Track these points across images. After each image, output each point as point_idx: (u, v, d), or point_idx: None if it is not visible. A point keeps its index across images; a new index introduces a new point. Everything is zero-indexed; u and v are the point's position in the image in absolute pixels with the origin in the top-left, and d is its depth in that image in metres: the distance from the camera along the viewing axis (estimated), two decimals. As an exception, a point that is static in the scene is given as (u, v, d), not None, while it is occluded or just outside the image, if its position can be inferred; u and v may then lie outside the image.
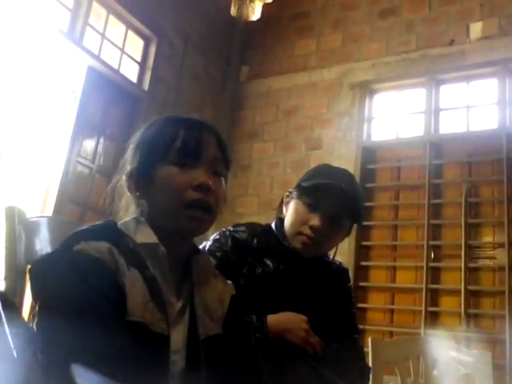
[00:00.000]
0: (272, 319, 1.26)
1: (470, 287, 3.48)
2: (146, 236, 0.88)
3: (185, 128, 0.92)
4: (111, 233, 0.86)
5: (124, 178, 0.94)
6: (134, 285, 0.82)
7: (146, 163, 0.91)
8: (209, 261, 1.04)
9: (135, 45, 4.12)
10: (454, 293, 3.53)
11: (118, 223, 0.91)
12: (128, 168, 0.94)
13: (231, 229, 1.40)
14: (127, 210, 0.95)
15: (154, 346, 0.82)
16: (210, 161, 0.92)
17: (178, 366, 0.86)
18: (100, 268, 0.80)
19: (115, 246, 0.83)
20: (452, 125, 3.96)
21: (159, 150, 0.90)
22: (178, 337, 0.87)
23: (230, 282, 1.03)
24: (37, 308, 0.80)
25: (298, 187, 1.40)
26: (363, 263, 3.88)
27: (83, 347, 0.73)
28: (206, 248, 1.36)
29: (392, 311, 3.78)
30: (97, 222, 0.89)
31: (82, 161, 3.61)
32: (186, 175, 0.89)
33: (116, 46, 3.96)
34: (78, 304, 0.77)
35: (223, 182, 0.95)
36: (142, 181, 0.91)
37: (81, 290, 0.78)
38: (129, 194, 0.94)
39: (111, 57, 3.88)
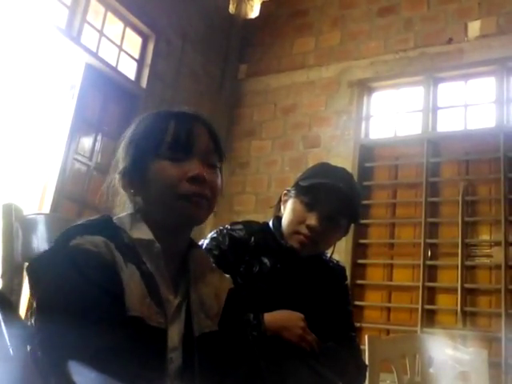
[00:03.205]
0: (269, 317, 1.26)
1: (467, 285, 3.49)
2: (141, 232, 0.87)
3: (174, 121, 0.90)
4: (106, 227, 0.85)
5: (117, 176, 0.93)
6: (131, 280, 0.81)
7: (139, 160, 0.90)
8: (205, 256, 1.02)
9: (133, 42, 4.11)
10: (451, 291, 3.54)
11: (114, 218, 0.89)
12: (120, 166, 0.92)
13: (229, 227, 1.40)
14: (123, 208, 0.94)
15: (151, 341, 0.80)
16: (203, 152, 0.90)
17: (175, 363, 0.85)
18: (98, 262, 0.79)
19: (110, 241, 0.82)
20: (450, 123, 3.96)
21: (150, 146, 0.89)
22: (174, 334, 0.86)
23: (227, 275, 1.02)
24: (35, 305, 0.78)
25: (296, 186, 1.40)
26: (360, 261, 3.89)
27: (82, 344, 0.72)
28: (204, 246, 1.36)
29: (389, 309, 3.79)
30: (92, 217, 0.88)
31: (80, 158, 3.60)
32: (178, 168, 0.87)
33: (114, 43, 3.95)
34: (77, 299, 0.75)
35: (219, 174, 0.92)
36: (135, 178, 0.90)
37: (79, 284, 0.76)
38: (123, 192, 0.93)
39: (109, 54, 3.87)
